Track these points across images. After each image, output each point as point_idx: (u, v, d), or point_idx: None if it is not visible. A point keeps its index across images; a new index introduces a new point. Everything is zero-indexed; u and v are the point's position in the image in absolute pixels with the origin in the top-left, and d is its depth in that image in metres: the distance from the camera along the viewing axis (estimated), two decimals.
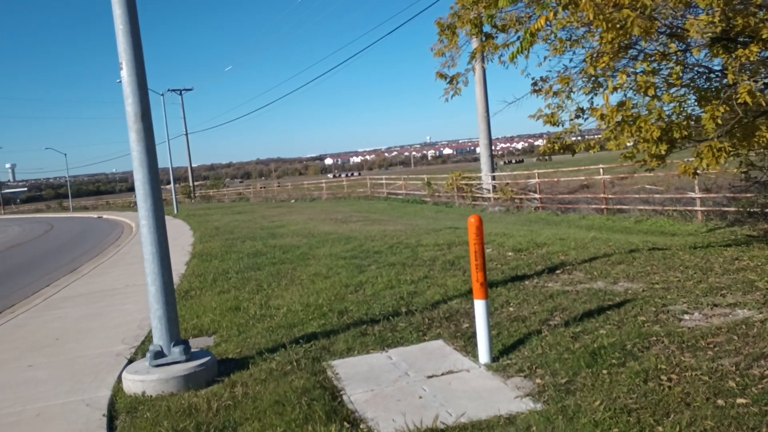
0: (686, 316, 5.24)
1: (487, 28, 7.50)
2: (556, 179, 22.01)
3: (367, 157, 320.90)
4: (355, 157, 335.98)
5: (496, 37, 7.60)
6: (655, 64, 6.94)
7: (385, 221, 18.44)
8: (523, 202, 21.68)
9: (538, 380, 4.23)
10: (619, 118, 6.21)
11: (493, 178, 24.55)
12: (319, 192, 44.27)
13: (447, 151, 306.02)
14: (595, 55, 6.88)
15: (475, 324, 5.65)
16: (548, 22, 5.38)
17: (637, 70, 6.84)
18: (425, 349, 5.33)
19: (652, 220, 15.38)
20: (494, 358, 4.81)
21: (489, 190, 24.20)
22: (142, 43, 5.04)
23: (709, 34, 6.49)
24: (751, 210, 12.78)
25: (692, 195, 15.00)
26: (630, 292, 6.23)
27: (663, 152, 6.92)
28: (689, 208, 15.07)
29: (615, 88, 6.27)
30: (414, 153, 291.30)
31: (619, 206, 17.32)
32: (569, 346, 4.72)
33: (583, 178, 20.13)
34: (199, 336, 6.48)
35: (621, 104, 6.40)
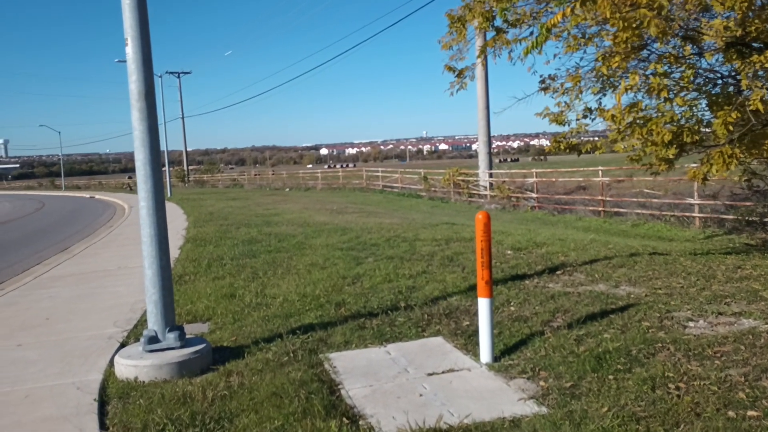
0: (691, 324, 5.16)
1: (498, 23, 7.37)
2: (554, 179, 21.94)
3: (363, 149, 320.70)
4: (350, 149, 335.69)
5: (507, 32, 7.48)
6: (666, 67, 6.85)
7: (380, 214, 18.34)
8: (519, 201, 21.61)
9: (541, 383, 4.14)
10: (630, 119, 6.11)
11: (491, 175, 24.46)
12: (314, 182, 44.10)
13: (443, 146, 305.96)
14: (606, 55, 6.77)
15: (476, 322, 5.58)
16: (564, 18, 5.27)
17: (648, 72, 6.75)
18: (425, 345, 5.24)
19: (649, 224, 15.33)
20: (496, 358, 4.72)
21: (486, 187, 24.11)
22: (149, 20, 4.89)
23: (724, 38, 6.40)
24: (750, 219, 12.74)
25: (691, 201, 14.96)
26: (633, 296, 6.15)
27: (671, 156, 6.83)
28: (687, 214, 15.03)
29: (627, 89, 6.16)
30: (410, 147, 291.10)
31: (616, 209, 17.26)
32: (573, 349, 4.63)
33: (581, 179, 20.07)
34: (194, 322, 6.36)
35: (633, 105, 6.31)
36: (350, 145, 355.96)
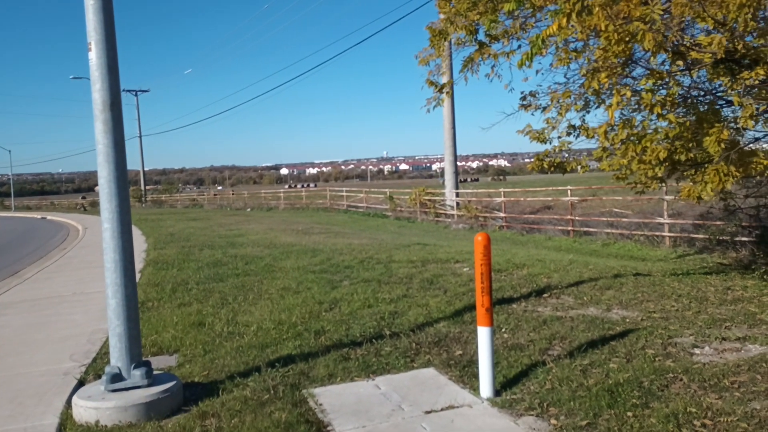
0: (697, 350, 4.89)
1: (481, 36, 7.12)
2: (523, 198, 21.88)
3: (324, 168, 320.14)
4: (311, 168, 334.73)
5: (490, 46, 7.23)
6: (650, 83, 6.68)
7: (348, 234, 17.91)
8: (487, 221, 21.45)
9: (553, 421, 3.78)
10: (624, 136, 5.88)
11: (457, 194, 24.30)
12: (276, 201, 43.38)
13: (403, 166, 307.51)
14: (591, 71, 6.57)
15: (469, 351, 5.24)
16: (560, 29, 5.02)
17: (640, 87, 6.56)
18: (416, 378, 4.84)
19: (619, 243, 15.27)
20: (497, 392, 4.35)
21: (453, 207, 23.92)
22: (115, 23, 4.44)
23: (716, 55, 6.26)
24: (721, 238, 12.75)
25: (660, 220, 14.97)
26: (628, 320, 5.87)
27: (659, 174, 6.63)
28: (657, 233, 15.02)
29: (618, 105, 5.93)
30: (371, 167, 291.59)
31: (585, 228, 17.21)
32: (581, 381, 4.29)
33: (549, 198, 20.02)
34: (159, 354, 5.81)
35: (627, 121, 6.09)
36: (311, 165, 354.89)
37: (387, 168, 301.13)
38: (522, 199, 21.98)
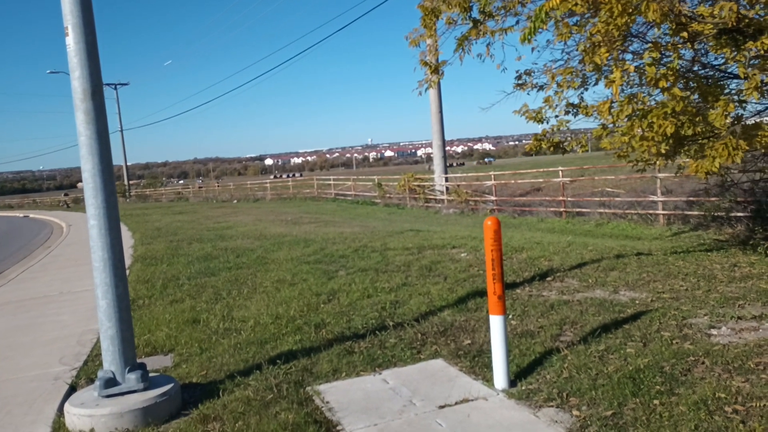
0: (714, 331, 4.73)
1: (475, 14, 6.88)
2: (513, 181, 21.71)
3: (309, 158, 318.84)
4: (296, 158, 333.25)
5: (483, 23, 6.99)
6: (650, 57, 6.48)
7: (338, 223, 17.66)
8: (478, 205, 21.28)
9: (575, 412, 3.59)
10: (629, 111, 5.67)
11: (447, 179, 24.09)
12: (263, 192, 42.94)
13: (388, 153, 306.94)
14: (591, 46, 6.34)
15: (477, 339, 5.05)
16: (562, 0, 4.79)
17: (639, 62, 6.36)
18: (425, 370, 4.63)
19: (613, 223, 15.14)
20: (512, 383, 4.16)
21: (442, 191, 23.72)
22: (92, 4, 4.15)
23: (711, 27, 6.06)
24: (716, 214, 12.65)
25: (654, 198, 14.85)
26: (638, 302, 5.70)
27: (663, 151, 6.44)
28: (650, 211, 14.90)
29: (620, 79, 5.72)
30: (356, 155, 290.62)
31: (577, 209, 17.07)
32: (600, 368, 4.11)
33: (541, 180, 19.84)
34: (154, 354, 5.57)
35: (631, 96, 5.88)
36: (295, 155, 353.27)
37: (372, 155, 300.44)
38: (512, 181, 21.81)
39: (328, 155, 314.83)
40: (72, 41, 4.06)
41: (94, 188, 4.14)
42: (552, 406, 3.72)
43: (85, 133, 4.11)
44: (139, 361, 4.42)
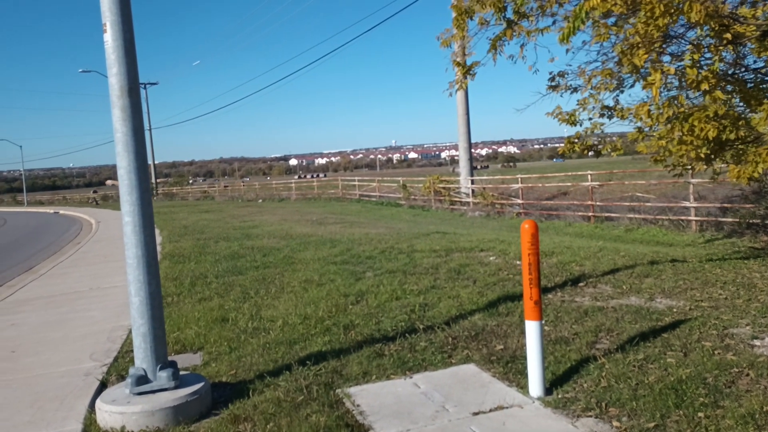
0: (757, 342, 4.58)
1: (509, 14, 6.78)
2: (541, 184, 21.49)
3: (333, 158, 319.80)
4: (320, 159, 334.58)
5: (518, 23, 6.89)
6: (690, 60, 6.32)
7: (363, 224, 17.62)
8: (504, 208, 21.09)
9: (615, 423, 3.48)
10: (670, 114, 5.53)
11: (473, 182, 23.94)
12: (287, 192, 43.15)
13: (412, 155, 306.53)
14: (628, 47, 6.21)
15: (510, 345, 4.96)
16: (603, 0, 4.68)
17: (678, 65, 6.21)
18: (457, 375, 4.55)
19: (643, 229, 14.89)
20: (548, 390, 4.06)
21: (468, 194, 23.57)
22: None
23: (754, 28, 5.90)
24: (751, 221, 12.36)
25: (686, 204, 14.57)
26: (675, 310, 5.56)
27: (703, 155, 6.28)
28: (682, 217, 14.62)
29: (660, 81, 5.58)
30: (380, 156, 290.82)
31: (606, 213, 16.82)
32: (640, 378, 3.99)
33: (569, 184, 19.61)
34: (183, 352, 5.57)
35: (672, 99, 5.74)
36: (319, 155, 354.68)
37: (396, 157, 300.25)
38: (539, 185, 21.60)
39: (352, 156, 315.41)
40: (110, 38, 4.06)
41: (129, 185, 4.14)
42: (591, 416, 3.61)
43: (122, 129, 4.11)
44: (170, 360, 4.41)
